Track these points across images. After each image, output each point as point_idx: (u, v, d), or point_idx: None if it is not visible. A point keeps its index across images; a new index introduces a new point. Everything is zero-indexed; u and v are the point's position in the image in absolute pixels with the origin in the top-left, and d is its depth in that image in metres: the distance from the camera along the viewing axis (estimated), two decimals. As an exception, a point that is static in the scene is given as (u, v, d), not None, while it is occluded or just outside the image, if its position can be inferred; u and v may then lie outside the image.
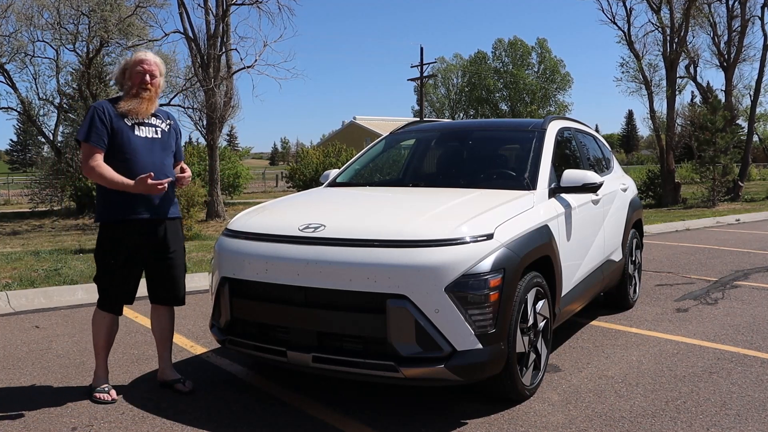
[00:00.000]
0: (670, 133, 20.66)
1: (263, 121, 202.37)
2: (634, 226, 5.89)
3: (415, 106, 63.93)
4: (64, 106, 19.97)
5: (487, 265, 3.19)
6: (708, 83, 31.20)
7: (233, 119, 16.64)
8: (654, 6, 20.38)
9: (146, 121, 3.64)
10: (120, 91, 3.72)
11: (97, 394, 3.58)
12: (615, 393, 3.68)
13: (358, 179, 4.99)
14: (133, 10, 16.55)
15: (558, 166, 4.41)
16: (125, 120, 3.56)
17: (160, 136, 3.69)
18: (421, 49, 35.74)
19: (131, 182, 3.46)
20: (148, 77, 3.60)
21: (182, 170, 3.82)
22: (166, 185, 3.49)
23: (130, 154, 3.53)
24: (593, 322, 5.27)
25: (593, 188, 4.17)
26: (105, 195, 3.58)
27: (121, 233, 3.55)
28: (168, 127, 3.76)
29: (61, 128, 20.99)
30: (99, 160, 3.50)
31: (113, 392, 3.61)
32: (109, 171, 3.48)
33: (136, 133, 3.58)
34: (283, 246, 3.41)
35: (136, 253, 3.60)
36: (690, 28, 21.07)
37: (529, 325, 3.50)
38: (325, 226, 3.42)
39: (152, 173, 3.45)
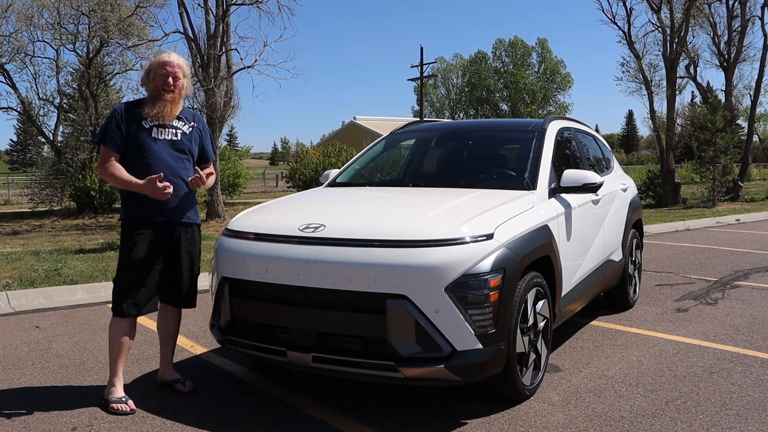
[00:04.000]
0: (670, 133, 20.66)
1: (263, 121, 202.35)
2: (634, 226, 5.89)
3: (415, 106, 64.01)
4: (64, 106, 20.00)
5: (487, 265, 3.19)
6: (708, 83, 31.14)
7: (233, 119, 16.62)
8: (654, 6, 20.37)
9: (167, 124, 3.59)
10: (146, 93, 3.67)
11: (114, 405, 3.45)
12: (615, 393, 3.68)
13: (358, 179, 4.99)
14: (133, 10, 16.55)
15: (558, 166, 4.41)
16: (144, 122, 3.54)
17: (179, 138, 3.63)
18: (421, 49, 35.80)
19: (141, 182, 3.44)
20: (171, 80, 3.55)
21: (209, 174, 3.67)
22: (170, 191, 3.43)
23: (148, 158, 3.51)
24: (593, 322, 5.27)
25: (593, 188, 4.17)
26: (124, 196, 3.59)
27: (139, 233, 3.52)
28: (191, 129, 3.69)
29: (61, 128, 21.05)
30: (112, 162, 3.49)
31: (131, 402, 3.48)
32: (119, 171, 3.48)
33: (154, 135, 3.55)
34: (283, 246, 3.41)
35: (153, 255, 3.55)
36: (690, 28, 21.06)
37: (529, 325, 3.50)
38: (325, 226, 3.42)
39: (161, 174, 3.41)
